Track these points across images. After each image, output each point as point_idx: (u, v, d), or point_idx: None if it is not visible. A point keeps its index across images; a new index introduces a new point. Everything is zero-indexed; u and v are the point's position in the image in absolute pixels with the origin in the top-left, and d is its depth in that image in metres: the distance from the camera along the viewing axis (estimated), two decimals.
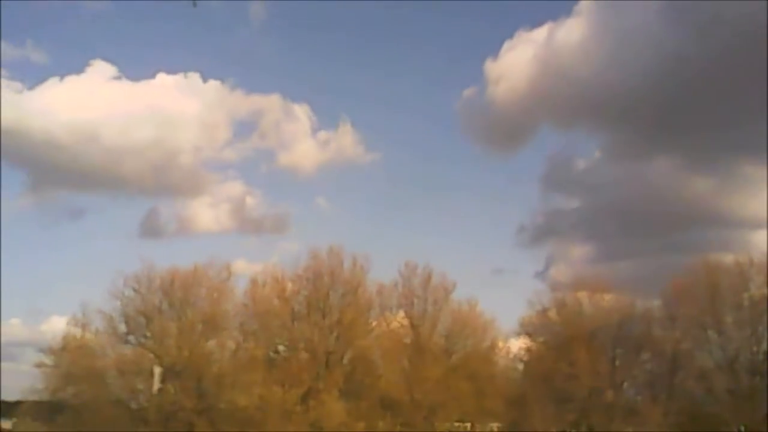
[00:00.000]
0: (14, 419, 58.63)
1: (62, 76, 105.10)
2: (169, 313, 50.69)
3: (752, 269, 52.25)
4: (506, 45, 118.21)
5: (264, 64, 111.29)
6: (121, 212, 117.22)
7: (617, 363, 56.05)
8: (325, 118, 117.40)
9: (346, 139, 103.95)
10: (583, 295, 57.56)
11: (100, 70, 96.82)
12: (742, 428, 49.80)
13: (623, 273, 70.63)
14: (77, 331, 50.68)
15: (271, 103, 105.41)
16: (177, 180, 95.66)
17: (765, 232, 71.25)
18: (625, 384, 56.77)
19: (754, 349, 50.94)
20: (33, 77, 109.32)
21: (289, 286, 53.85)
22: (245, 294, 54.01)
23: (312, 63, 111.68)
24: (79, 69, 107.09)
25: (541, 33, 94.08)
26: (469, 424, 56.43)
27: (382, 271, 61.58)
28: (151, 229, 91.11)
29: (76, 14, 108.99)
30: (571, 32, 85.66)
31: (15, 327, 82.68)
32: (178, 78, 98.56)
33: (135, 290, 50.29)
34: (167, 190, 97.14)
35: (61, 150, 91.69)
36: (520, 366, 61.08)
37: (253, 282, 54.52)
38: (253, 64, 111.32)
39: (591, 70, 79.75)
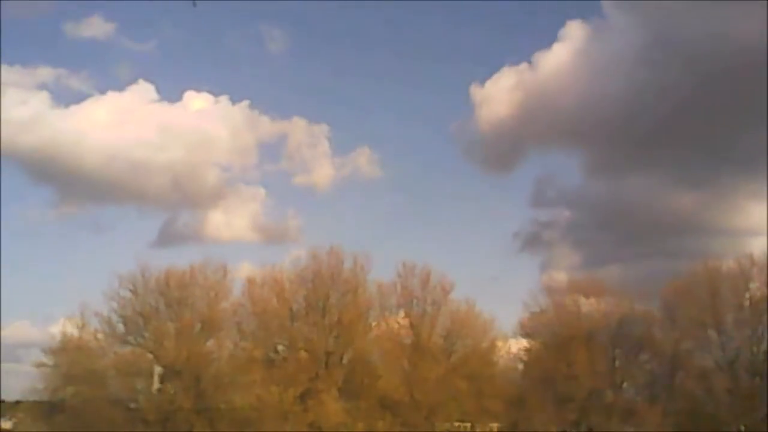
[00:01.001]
0: (14, 419, 58.74)
1: (99, 95, 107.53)
2: (166, 314, 50.57)
3: (752, 269, 52.24)
4: (495, 73, 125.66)
5: (285, 86, 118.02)
6: (143, 224, 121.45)
7: (617, 363, 56.08)
8: (343, 138, 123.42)
9: (361, 159, 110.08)
10: (578, 298, 57.68)
11: (141, 90, 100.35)
12: (742, 428, 49.80)
13: (611, 279, 72.06)
14: (75, 332, 50.59)
15: (294, 126, 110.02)
16: (200, 195, 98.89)
17: (748, 240, 72.78)
18: (625, 384, 56.79)
19: (754, 349, 50.92)
20: (71, 96, 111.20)
21: (288, 285, 53.79)
22: (243, 293, 54.00)
23: (330, 84, 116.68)
24: (119, 88, 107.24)
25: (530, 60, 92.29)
26: (469, 424, 56.29)
27: (382, 272, 61.33)
28: (168, 237, 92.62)
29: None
30: (556, 58, 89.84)
31: (23, 329, 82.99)
32: (209, 99, 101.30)
33: (131, 291, 50.22)
34: (189, 204, 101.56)
35: (90, 167, 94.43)
36: (520, 366, 61.04)
37: (251, 281, 54.48)
38: (275, 86, 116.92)
39: (575, 96, 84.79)
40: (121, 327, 50.65)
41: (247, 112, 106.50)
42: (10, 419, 59.25)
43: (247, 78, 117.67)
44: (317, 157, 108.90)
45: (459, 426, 55.72)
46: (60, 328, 51.44)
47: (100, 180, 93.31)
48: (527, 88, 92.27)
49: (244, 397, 48.20)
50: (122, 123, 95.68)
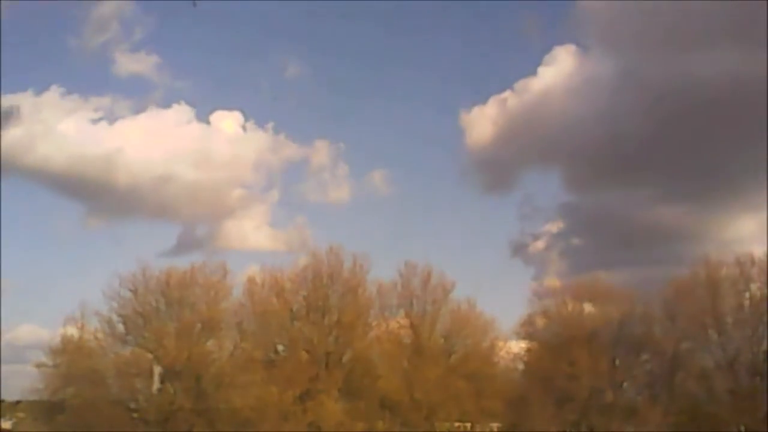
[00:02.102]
0: (14, 419, 58.76)
1: (133, 116, 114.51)
2: (166, 314, 50.48)
3: (752, 269, 52.20)
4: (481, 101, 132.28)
5: (305, 109, 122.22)
6: (164, 236, 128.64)
7: (617, 363, 55.98)
8: (358, 158, 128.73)
9: (376, 177, 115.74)
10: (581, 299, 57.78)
11: (173, 112, 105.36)
12: (742, 428, 49.77)
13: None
14: (75, 332, 50.56)
15: (316, 148, 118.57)
16: (222, 211, 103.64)
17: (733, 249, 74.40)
18: (625, 384, 56.74)
19: (755, 349, 50.84)
20: (107, 118, 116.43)
21: (288, 285, 53.79)
22: (243, 293, 53.97)
23: (346, 106, 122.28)
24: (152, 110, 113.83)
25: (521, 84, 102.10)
26: (469, 424, 56.28)
27: (383, 273, 61.26)
28: (185, 246, 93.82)
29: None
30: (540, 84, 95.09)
31: (31, 331, 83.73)
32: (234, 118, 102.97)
33: (131, 291, 50.14)
34: (211, 218, 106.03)
35: (118, 184, 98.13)
36: (520, 366, 61.05)
37: (251, 281, 54.47)
38: (296, 109, 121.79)
39: (560, 119, 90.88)
40: (121, 327, 50.61)
41: (270, 134, 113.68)
42: (10, 419, 59.27)
43: (269, 100, 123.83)
44: (334, 176, 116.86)
45: (459, 426, 55.73)
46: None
47: (127, 196, 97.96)
48: (511, 114, 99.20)
49: (244, 398, 48.07)
50: (152, 143, 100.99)
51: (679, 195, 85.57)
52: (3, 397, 59.24)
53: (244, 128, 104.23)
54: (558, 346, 55.84)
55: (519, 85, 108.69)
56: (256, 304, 53.22)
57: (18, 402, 57.14)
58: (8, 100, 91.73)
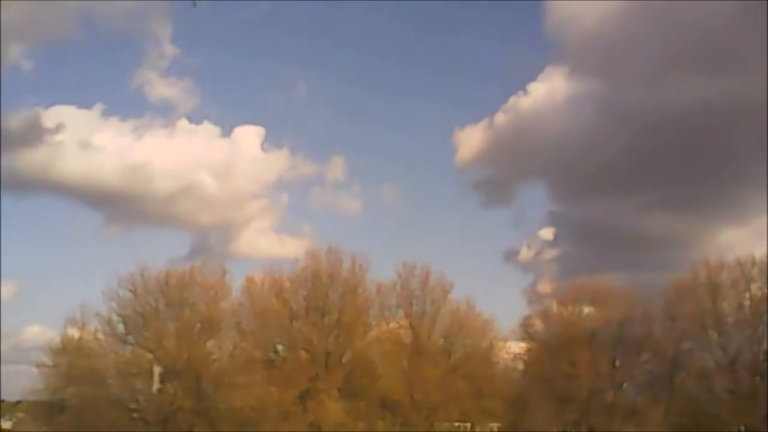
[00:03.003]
0: (14, 419, 58.85)
1: (159, 131, 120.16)
2: (166, 313, 50.47)
3: (753, 269, 52.15)
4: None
5: (320, 127, 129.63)
6: (178, 242, 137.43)
7: (618, 363, 56.02)
8: (364, 173, 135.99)
9: (385, 192, 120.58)
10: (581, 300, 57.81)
11: (195, 129, 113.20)
12: (742, 428, 49.75)
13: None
14: (75, 332, 50.58)
15: (332, 166, 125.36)
16: (238, 221, 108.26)
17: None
18: (626, 384, 56.79)
19: (755, 349, 50.88)
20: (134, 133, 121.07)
21: (288, 285, 53.76)
22: (243, 293, 53.91)
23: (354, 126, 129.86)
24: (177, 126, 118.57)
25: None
26: (469, 424, 56.24)
27: (381, 273, 61.33)
28: (197, 252, 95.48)
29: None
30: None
31: (40, 332, 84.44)
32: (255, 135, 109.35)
33: (131, 291, 50.10)
34: (225, 228, 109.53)
35: (138, 195, 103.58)
36: (520, 366, 61.04)
37: (250, 281, 54.39)
38: (312, 127, 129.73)
39: (549, 136, 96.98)
40: (121, 327, 50.63)
41: (286, 152, 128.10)
42: (10, 419, 59.38)
43: (286, 120, 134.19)
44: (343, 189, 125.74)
45: (459, 426, 55.67)
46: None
47: (145, 206, 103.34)
48: (501, 132, 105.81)
49: (244, 398, 48.05)
50: (177, 157, 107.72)
51: (663, 204, 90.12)
52: (4, 397, 59.42)
53: (263, 145, 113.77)
54: (558, 346, 55.85)
55: (509, 105, 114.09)
56: (255, 304, 53.22)
57: (18, 402, 57.14)
58: (56, 111, 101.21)
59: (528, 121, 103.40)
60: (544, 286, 72.04)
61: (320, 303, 52.72)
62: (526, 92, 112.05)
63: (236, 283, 53.99)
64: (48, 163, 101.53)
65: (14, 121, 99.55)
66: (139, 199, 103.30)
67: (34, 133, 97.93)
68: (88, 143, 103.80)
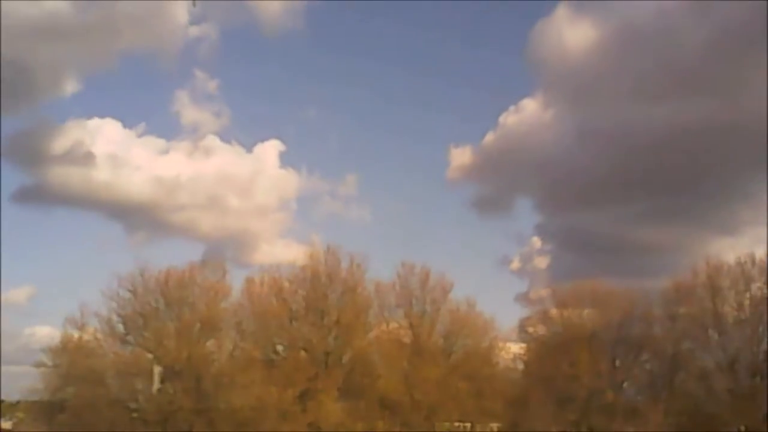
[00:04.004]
0: (14, 419, 58.86)
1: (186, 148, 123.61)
2: (166, 313, 50.52)
3: (753, 269, 52.11)
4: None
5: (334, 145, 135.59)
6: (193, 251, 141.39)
7: (618, 363, 56.01)
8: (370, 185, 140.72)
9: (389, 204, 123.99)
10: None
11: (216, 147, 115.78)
12: (742, 428, 49.68)
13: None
14: (75, 332, 50.65)
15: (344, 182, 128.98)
16: (252, 233, 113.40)
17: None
18: (626, 384, 56.78)
19: (755, 349, 50.79)
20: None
21: (287, 285, 53.77)
22: (242, 293, 53.89)
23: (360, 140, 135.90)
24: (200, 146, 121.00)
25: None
26: (469, 424, 56.22)
27: (380, 273, 61.18)
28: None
29: None
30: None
31: (47, 333, 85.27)
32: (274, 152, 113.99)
33: (130, 291, 50.14)
34: (240, 240, 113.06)
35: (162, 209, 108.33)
36: (520, 366, 61.04)
37: (250, 281, 54.43)
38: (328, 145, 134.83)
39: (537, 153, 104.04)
40: (120, 327, 50.72)
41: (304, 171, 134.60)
42: (10, 419, 59.39)
43: (303, 139, 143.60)
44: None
45: (459, 426, 55.66)
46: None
47: (166, 219, 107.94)
48: (490, 149, 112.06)
49: (243, 397, 48.03)
50: (200, 171, 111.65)
51: (644, 216, 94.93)
52: (4, 397, 59.45)
53: (281, 162, 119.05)
54: (558, 346, 55.82)
55: (499, 123, 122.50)
56: (255, 304, 53.21)
57: (18, 402, 57.17)
58: (95, 129, 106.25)
59: (515, 139, 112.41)
60: (537, 293, 72.69)
61: (320, 303, 52.72)
62: (517, 109, 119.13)
63: (236, 284, 54.21)
64: (83, 178, 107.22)
65: (58, 140, 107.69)
66: (162, 210, 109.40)
67: (74, 151, 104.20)
68: (121, 159, 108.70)
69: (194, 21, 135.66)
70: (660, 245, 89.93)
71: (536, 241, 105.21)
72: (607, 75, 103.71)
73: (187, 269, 51.72)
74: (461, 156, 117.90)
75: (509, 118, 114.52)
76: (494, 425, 57.50)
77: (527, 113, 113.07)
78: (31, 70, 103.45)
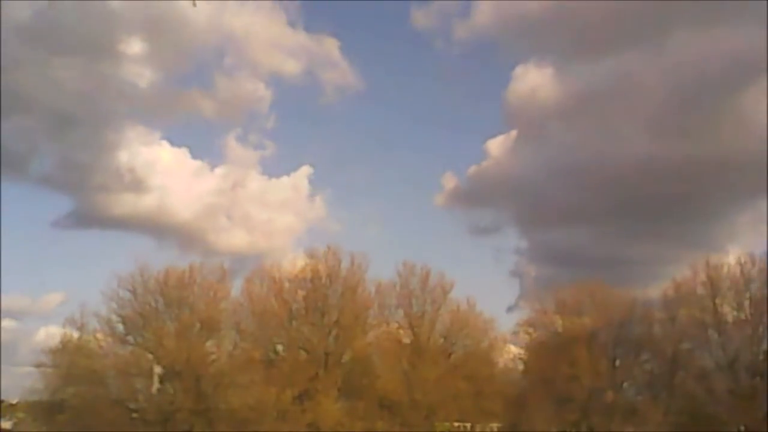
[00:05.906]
0: (14, 419, 58.87)
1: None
2: (166, 313, 50.48)
3: (753, 269, 52.17)
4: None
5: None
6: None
7: (617, 363, 55.98)
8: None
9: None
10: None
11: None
12: (742, 428, 49.71)
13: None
14: (74, 333, 50.67)
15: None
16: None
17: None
18: (626, 384, 56.77)
19: (755, 349, 50.83)
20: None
21: (287, 285, 53.75)
22: (242, 294, 53.94)
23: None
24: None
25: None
26: (468, 424, 56.16)
27: (380, 274, 61.18)
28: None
29: None
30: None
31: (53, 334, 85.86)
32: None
33: (130, 291, 50.12)
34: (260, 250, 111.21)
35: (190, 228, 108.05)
36: (520, 366, 61.00)
37: (249, 281, 54.44)
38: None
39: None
40: (120, 327, 50.70)
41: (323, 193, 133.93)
42: (10, 419, 59.41)
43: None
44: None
45: (459, 426, 55.59)
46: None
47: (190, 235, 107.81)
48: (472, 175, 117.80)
49: (243, 398, 47.99)
50: (223, 190, 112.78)
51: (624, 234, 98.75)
52: (3, 397, 59.46)
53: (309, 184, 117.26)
54: (558, 346, 55.75)
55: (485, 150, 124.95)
56: (255, 304, 53.20)
57: (17, 402, 57.19)
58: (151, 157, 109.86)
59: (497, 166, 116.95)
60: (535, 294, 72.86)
61: (319, 303, 52.71)
62: (498, 142, 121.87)
63: (236, 284, 54.22)
64: (131, 202, 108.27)
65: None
66: (198, 231, 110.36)
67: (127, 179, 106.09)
68: (168, 186, 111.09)
69: None
70: (636, 259, 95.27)
71: (522, 255, 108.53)
72: (576, 119, 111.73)
73: (187, 269, 51.67)
74: (450, 181, 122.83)
75: (494, 150, 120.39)
76: (494, 425, 57.46)
77: (508, 146, 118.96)
78: None
